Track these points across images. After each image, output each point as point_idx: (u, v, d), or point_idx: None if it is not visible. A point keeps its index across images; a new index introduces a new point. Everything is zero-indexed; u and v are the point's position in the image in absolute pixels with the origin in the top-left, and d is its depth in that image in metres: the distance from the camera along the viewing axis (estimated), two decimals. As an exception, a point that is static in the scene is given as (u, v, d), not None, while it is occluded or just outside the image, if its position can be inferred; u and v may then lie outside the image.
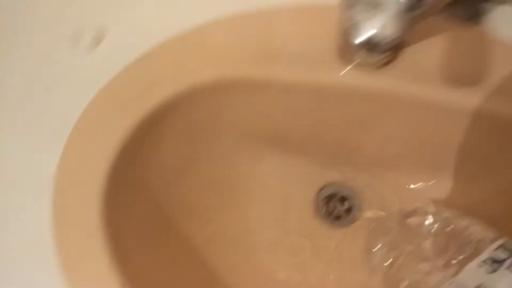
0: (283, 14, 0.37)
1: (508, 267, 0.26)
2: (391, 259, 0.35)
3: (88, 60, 0.37)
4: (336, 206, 0.42)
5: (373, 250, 0.36)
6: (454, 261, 0.32)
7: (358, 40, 0.24)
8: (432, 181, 0.42)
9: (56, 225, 0.30)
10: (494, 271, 0.26)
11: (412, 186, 0.42)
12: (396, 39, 0.24)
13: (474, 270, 0.28)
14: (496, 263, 0.27)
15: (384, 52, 0.34)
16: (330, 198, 0.43)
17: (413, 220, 0.37)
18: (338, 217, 0.42)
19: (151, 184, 0.35)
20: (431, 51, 0.35)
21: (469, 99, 0.34)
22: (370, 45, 0.24)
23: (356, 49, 0.24)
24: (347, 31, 0.24)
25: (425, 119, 0.37)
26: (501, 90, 0.34)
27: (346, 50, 0.35)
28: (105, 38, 0.37)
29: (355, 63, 0.35)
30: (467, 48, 0.35)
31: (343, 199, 0.43)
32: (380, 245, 0.36)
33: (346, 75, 0.35)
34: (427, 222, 0.36)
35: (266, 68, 0.35)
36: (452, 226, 0.35)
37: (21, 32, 0.39)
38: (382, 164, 0.42)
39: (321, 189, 0.43)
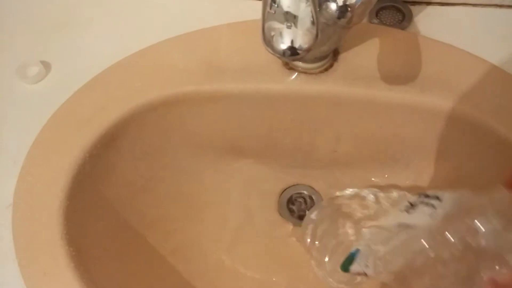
0: (225, 30, 0.40)
1: (424, 203, 0.28)
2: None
3: (36, 90, 0.38)
4: (299, 207, 0.44)
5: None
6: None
7: (282, 47, 0.26)
8: (387, 175, 0.44)
9: (18, 248, 0.31)
10: (413, 208, 0.29)
11: (373, 179, 0.44)
12: (312, 46, 0.26)
13: (395, 213, 0.30)
14: (414, 205, 0.29)
15: (316, 61, 0.37)
16: (292, 199, 0.45)
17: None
18: (301, 217, 0.44)
19: (112, 200, 0.37)
20: (367, 54, 0.38)
21: (406, 95, 0.37)
22: (292, 51, 0.26)
23: (280, 54, 0.27)
24: (271, 39, 0.26)
25: (369, 116, 0.39)
26: (434, 84, 0.37)
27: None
28: (52, 69, 0.39)
29: (298, 70, 0.38)
30: (399, 49, 0.38)
31: (304, 199, 0.45)
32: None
33: (291, 82, 0.38)
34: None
35: (214, 82, 0.37)
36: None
37: None
38: (338, 162, 0.44)
39: (283, 192, 0.45)
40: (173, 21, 0.41)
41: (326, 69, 0.38)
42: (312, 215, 0.39)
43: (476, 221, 0.24)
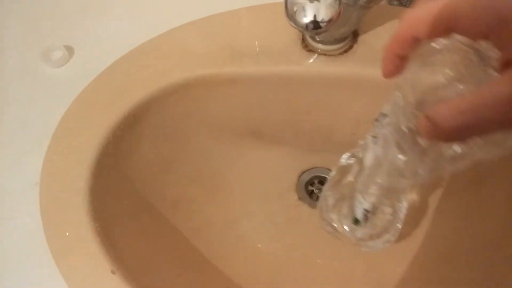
0: (244, 14, 0.40)
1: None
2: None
3: (60, 74, 0.39)
4: (317, 189, 0.45)
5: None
6: None
7: (305, 21, 0.26)
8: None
9: (46, 224, 0.32)
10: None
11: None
12: (335, 19, 0.27)
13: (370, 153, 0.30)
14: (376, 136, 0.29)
15: (336, 42, 0.37)
16: (310, 182, 0.45)
17: None
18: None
19: (134, 180, 0.37)
20: (386, 35, 0.38)
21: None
22: (315, 24, 0.26)
23: (304, 28, 0.27)
24: (294, 14, 0.27)
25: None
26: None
27: (309, 41, 0.38)
28: (75, 53, 0.40)
29: (317, 52, 0.38)
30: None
31: (323, 182, 0.45)
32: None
33: (310, 64, 0.38)
34: None
35: (235, 64, 0.38)
36: None
37: None
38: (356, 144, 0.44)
39: (301, 174, 0.45)
40: (193, 5, 0.41)
41: (345, 51, 0.38)
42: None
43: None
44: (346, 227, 0.34)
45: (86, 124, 0.35)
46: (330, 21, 0.26)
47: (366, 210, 0.31)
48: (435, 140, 0.21)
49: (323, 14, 0.26)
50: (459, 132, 0.19)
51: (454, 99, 0.19)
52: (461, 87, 0.21)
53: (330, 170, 0.45)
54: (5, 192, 0.34)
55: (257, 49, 0.38)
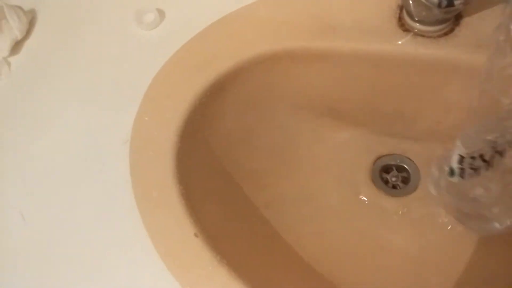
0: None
1: None
2: None
3: (153, 36, 0.40)
4: (393, 176, 0.43)
5: None
6: None
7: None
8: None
9: (135, 181, 0.33)
10: None
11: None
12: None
13: None
14: None
15: (437, 23, 0.35)
16: (386, 168, 0.43)
17: None
18: (394, 187, 0.43)
19: (215, 147, 0.38)
20: (493, 19, 0.35)
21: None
22: (449, 1, 0.25)
23: (435, 5, 0.25)
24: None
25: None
26: None
27: (406, 19, 0.36)
28: (166, 17, 0.41)
29: (414, 32, 0.36)
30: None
31: (400, 170, 0.43)
32: None
33: (405, 44, 0.36)
34: None
35: (324, 39, 0.36)
36: None
37: (90, 13, 0.43)
38: (441, 134, 0.41)
39: (377, 159, 0.43)
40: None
41: (445, 34, 0.35)
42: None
43: None
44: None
45: (175, 88, 0.36)
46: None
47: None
48: None
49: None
50: None
51: None
52: None
53: (408, 158, 0.44)
54: (97, 148, 0.36)
55: (349, 24, 0.37)
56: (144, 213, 0.32)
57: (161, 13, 0.40)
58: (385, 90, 0.40)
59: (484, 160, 0.28)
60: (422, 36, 0.35)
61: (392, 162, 0.43)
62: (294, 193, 0.42)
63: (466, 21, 0.36)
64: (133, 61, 0.39)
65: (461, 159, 0.28)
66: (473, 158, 0.28)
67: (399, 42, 0.36)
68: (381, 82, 0.39)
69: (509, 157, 0.28)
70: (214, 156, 0.38)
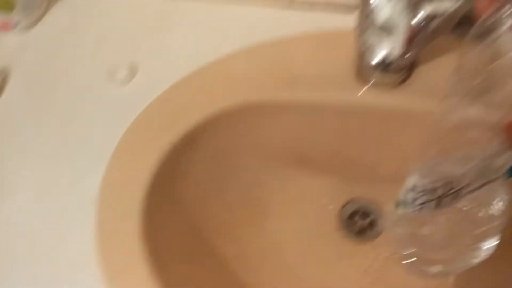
0: (300, 41, 0.40)
1: None
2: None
3: (124, 92, 0.41)
4: (359, 221, 0.44)
5: None
6: None
7: (374, 62, 0.26)
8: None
9: (100, 241, 0.33)
10: None
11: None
12: (407, 59, 0.26)
13: None
14: None
15: (398, 71, 0.37)
16: (353, 213, 0.44)
17: None
18: (361, 232, 0.43)
19: (185, 202, 0.38)
20: (443, 69, 0.37)
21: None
22: (384, 65, 0.26)
23: (373, 69, 0.27)
24: (363, 54, 0.26)
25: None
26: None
27: (363, 71, 0.38)
28: (139, 72, 0.42)
29: (371, 83, 0.37)
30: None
31: (365, 214, 0.44)
32: None
33: (364, 94, 0.37)
34: None
35: (289, 91, 0.38)
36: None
37: (64, 70, 0.44)
38: (403, 179, 0.43)
39: (345, 205, 0.44)
40: (252, 31, 0.42)
41: (401, 83, 0.37)
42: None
43: None
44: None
45: (144, 145, 0.36)
46: (403, 60, 0.26)
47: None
48: None
49: (393, 55, 0.26)
50: None
51: None
52: None
53: (373, 202, 0.44)
54: (64, 206, 0.35)
55: (312, 76, 0.38)
56: (109, 275, 0.31)
57: (133, 69, 0.41)
58: (348, 138, 0.41)
59: (433, 196, 0.28)
60: (379, 86, 0.37)
61: (359, 207, 0.44)
62: (264, 244, 0.42)
63: (419, 70, 0.38)
64: (104, 118, 0.39)
65: (408, 192, 0.29)
66: (423, 191, 0.28)
67: (358, 93, 0.37)
68: (344, 131, 0.40)
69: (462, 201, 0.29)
70: (183, 211, 0.38)
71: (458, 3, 0.31)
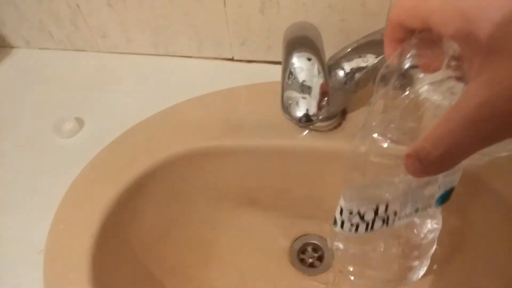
0: (242, 91, 0.44)
1: None
2: None
3: (71, 143, 0.42)
4: (309, 257, 0.46)
5: None
6: None
7: (297, 115, 0.30)
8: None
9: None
10: None
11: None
12: (326, 112, 0.30)
13: None
14: None
15: (330, 119, 0.41)
16: (303, 249, 0.46)
17: None
18: (312, 265, 0.46)
19: (136, 246, 0.39)
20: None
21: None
22: (307, 118, 0.30)
23: (298, 121, 0.30)
24: (288, 107, 0.30)
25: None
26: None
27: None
28: (85, 124, 0.44)
29: (309, 128, 0.41)
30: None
31: (315, 249, 0.47)
32: None
33: (303, 138, 0.41)
34: None
35: (233, 137, 0.41)
36: None
37: (10, 122, 0.45)
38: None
39: (294, 241, 0.47)
40: (194, 82, 0.45)
41: (335, 127, 0.41)
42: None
43: None
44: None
45: (92, 193, 0.37)
46: (320, 115, 0.30)
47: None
48: (425, 175, 0.20)
49: (314, 109, 0.29)
50: (446, 160, 0.18)
51: (429, 131, 0.18)
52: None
53: (321, 237, 0.47)
54: (10, 258, 0.35)
55: (254, 123, 0.42)
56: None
57: (80, 122, 0.43)
58: (293, 178, 0.44)
59: (362, 218, 0.30)
60: (316, 130, 0.41)
61: (308, 242, 0.47)
62: (218, 283, 0.43)
63: (350, 116, 0.42)
64: (52, 169, 0.40)
65: (341, 211, 0.31)
66: (351, 213, 0.30)
67: (297, 137, 0.41)
68: (288, 172, 0.43)
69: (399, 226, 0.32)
70: (135, 254, 0.39)
71: (376, 60, 0.36)
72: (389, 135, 0.28)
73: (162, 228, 0.42)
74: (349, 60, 0.36)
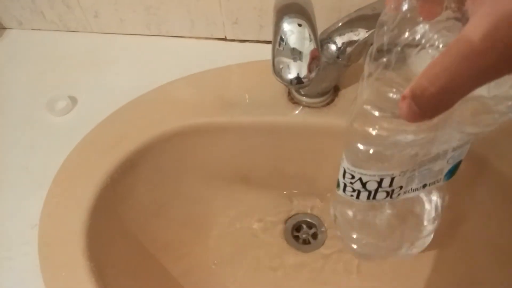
0: (235, 69, 0.44)
1: None
2: None
3: (65, 121, 0.42)
4: (304, 233, 0.47)
5: None
6: None
7: (289, 77, 0.30)
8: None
9: (43, 264, 0.33)
10: None
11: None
12: (316, 74, 0.30)
13: None
14: None
15: (323, 95, 0.41)
16: (297, 226, 0.47)
17: None
18: (306, 242, 0.46)
19: (128, 223, 0.39)
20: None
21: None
22: (298, 80, 0.30)
23: (289, 84, 0.31)
24: (280, 71, 0.30)
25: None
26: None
27: (292, 93, 0.41)
28: (78, 102, 0.44)
29: (302, 105, 0.41)
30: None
31: (309, 226, 0.47)
32: None
33: (296, 115, 0.41)
34: None
35: (225, 114, 0.41)
36: None
37: (3, 101, 0.45)
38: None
39: (288, 218, 0.47)
40: (187, 61, 0.45)
41: (327, 104, 0.41)
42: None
43: None
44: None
45: (85, 169, 0.37)
46: (311, 77, 0.30)
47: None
48: (421, 118, 0.18)
49: (305, 71, 0.30)
50: (443, 97, 0.17)
51: (426, 67, 0.17)
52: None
53: (315, 215, 0.48)
54: (5, 233, 0.35)
55: (247, 100, 0.42)
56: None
57: (73, 100, 0.43)
58: (286, 156, 0.44)
59: (364, 186, 0.30)
60: (309, 107, 0.41)
61: (302, 220, 0.47)
62: (211, 260, 0.44)
63: (343, 92, 0.42)
64: (44, 147, 0.40)
65: (344, 173, 0.31)
66: (352, 177, 0.30)
67: (290, 114, 0.41)
68: (281, 149, 0.44)
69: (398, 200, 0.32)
70: (129, 230, 0.39)
71: (367, 34, 0.36)
72: (381, 106, 0.28)
73: (155, 204, 0.42)
74: (341, 34, 0.36)
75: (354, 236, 0.36)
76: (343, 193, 0.32)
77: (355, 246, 0.37)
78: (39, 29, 0.51)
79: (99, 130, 0.40)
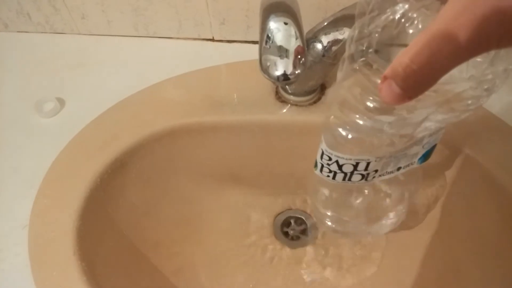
0: (223, 69, 0.44)
1: None
2: None
3: (53, 123, 0.42)
4: (293, 229, 0.47)
5: None
6: None
7: (276, 74, 0.31)
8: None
9: (34, 265, 0.33)
10: None
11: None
12: (301, 73, 0.31)
13: None
14: None
15: (310, 93, 0.42)
16: (286, 223, 0.48)
17: None
18: (296, 238, 0.47)
19: (119, 222, 0.39)
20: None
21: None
22: (285, 76, 0.31)
23: (276, 81, 0.31)
24: (267, 69, 0.31)
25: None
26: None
27: (279, 92, 0.42)
28: (66, 105, 0.44)
29: (289, 103, 0.42)
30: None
31: (298, 222, 0.48)
32: None
33: (283, 113, 0.42)
34: None
35: (215, 114, 0.41)
36: None
37: None
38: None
39: (277, 215, 0.48)
40: (175, 62, 0.46)
41: (314, 102, 0.42)
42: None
43: None
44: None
45: (75, 169, 0.38)
46: (297, 74, 0.31)
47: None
48: (402, 99, 0.18)
49: (291, 68, 0.30)
50: (425, 74, 0.17)
51: (407, 47, 0.17)
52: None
53: (304, 211, 0.48)
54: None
55: (235, 100, 0.42)
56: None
57: (61, 102, 0.43)
58: (275, 153, 0.45)
59: (340, 168, 0.31)
60: (296, 105, 0.42)
61: (291, 216, 0.48)
62: (202, 258, 0.44)
63: (329, 90, 0.43)
64: (33, 148, 0.40)
65: (322, 154, 0.32)
66: (329, 159, 0.31)
67: (278, 112, 0.42)
68: (270, 147, 0.44)
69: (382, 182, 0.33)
70: (120, 230, 0.39)
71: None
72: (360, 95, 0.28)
73: (146, 204, 0.42)
74: (326, 33, 0.37)
75: (329, 213, 0.38)
76: (320, 173, 0.33)
77: (329, 223, 0.38)
78: (26, 31, 0.51)
79: (89, 131, 0.40)
